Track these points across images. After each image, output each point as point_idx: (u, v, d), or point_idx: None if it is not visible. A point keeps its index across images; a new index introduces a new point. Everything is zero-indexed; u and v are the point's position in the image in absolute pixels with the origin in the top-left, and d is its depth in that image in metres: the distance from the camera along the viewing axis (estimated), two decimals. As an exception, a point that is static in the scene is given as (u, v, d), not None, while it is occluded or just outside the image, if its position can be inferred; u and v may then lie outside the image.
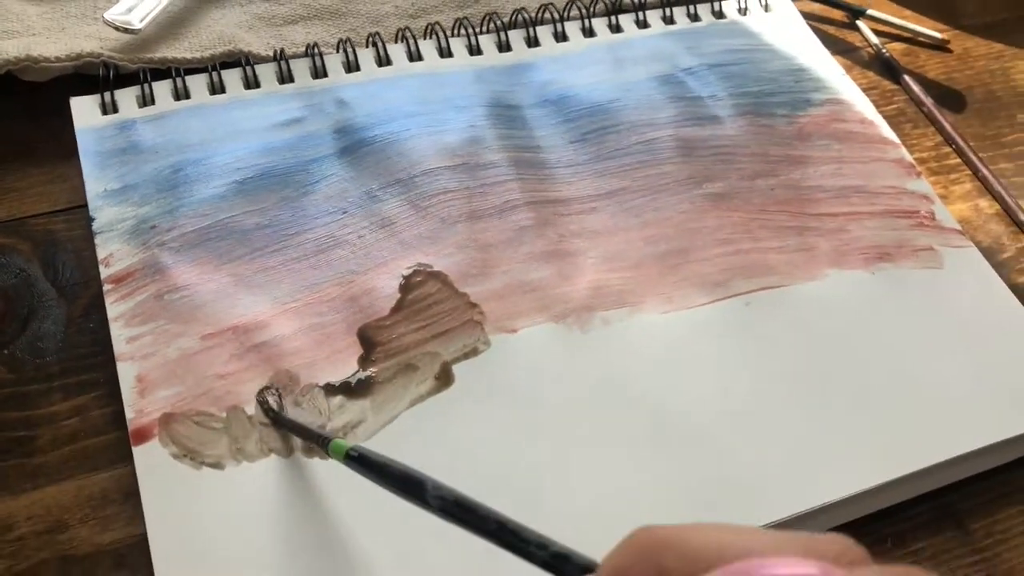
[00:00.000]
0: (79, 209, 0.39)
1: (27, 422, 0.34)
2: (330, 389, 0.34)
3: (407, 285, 0.37)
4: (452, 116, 0.42)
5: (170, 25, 0.45)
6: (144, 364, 0.34)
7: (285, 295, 0.36)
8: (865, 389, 0.36)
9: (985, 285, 0.40)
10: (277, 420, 0.33)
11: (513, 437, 0.33)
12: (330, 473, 0.32)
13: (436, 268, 0.37)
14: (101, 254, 0.36)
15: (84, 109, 0.40)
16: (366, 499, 0.30)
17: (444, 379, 0.35)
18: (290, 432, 0.32)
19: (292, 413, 0.33)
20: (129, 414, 0.32)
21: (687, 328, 0.37)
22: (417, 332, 0.36)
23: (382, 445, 0.33)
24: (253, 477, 0.32)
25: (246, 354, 0.34)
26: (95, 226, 0.37)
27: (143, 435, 0.32)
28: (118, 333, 0.34)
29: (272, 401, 0.33)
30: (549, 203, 0.40)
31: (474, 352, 0.35)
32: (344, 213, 0.39)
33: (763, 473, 0.33)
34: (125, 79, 0.43)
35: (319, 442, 0.29)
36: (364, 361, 0.35)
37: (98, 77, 0.41)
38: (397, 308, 0.36)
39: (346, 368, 0.35)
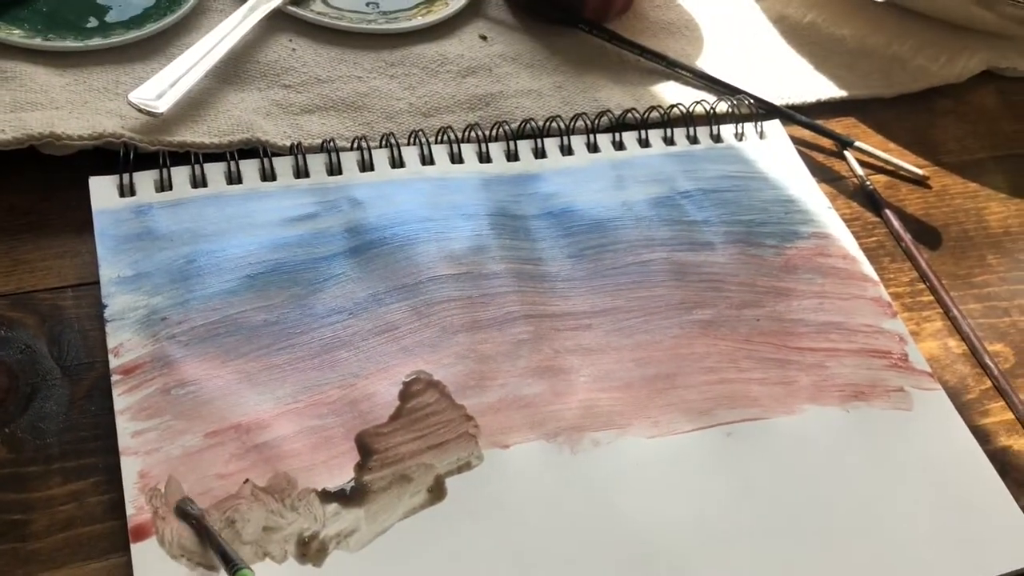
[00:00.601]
0: (88, 286, 0.40)
1: (23, 505, 0.34)
2: (326, 496, 0.35)
3: (406, 393, 0.38)
4: (459, 224, 0.44)
5: (189, 106, 0.46)
6: (147, 460, 0.34)
7: (288, 395, 0.37)
8: (832, 530, 0.38)
9: (950, 430, 0.42)
10: (200, 529, 0.33)
11: (501, 556, 0.34)
12: (321, 580, 0.33)
13: (436, 377, 0.39)
14: (112, 343, 0.37)
15: (102, 190, 0.41)
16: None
17: (437, 492, 0.36)
18: (208, 544, 0.33)
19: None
20: (130, 510, 0.33)
21: (671, 455, 0.39)
22: (413, 442, 0.37)
23: (374, 556, 0.34)
24: (246, 581, 0.33)
25: (247, 454, 0.35)
26: (107, 313, 0.38)
27: (142, 532, 0.33)
28: (124, 427, 0.35)
29: (192, 509, 0.33)
30: (547, 317, 0.42)
31: (467, 466, 0.37)
32: (350, 315, 0.40)
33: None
34: (143, 157, 0.44)
35: (229, 567, 0.32)
36: (360, 469, 0.36)
37: (116, 151, 0.43)
38: (396, 416, 0.37)
39: (343, 474, 0.36)
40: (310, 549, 0.34)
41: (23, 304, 0.40)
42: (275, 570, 0.33)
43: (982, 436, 0.44)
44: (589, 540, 0.36)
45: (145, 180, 0.42)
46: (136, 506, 0.33)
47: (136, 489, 0.34)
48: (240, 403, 0.36)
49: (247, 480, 0.35)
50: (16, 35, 0.46)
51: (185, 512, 0.33)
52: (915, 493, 0.40)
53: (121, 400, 0.36)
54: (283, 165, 0.44)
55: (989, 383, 0.46)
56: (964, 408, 0.44)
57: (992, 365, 0.46)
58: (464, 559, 0.34)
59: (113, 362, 0.36)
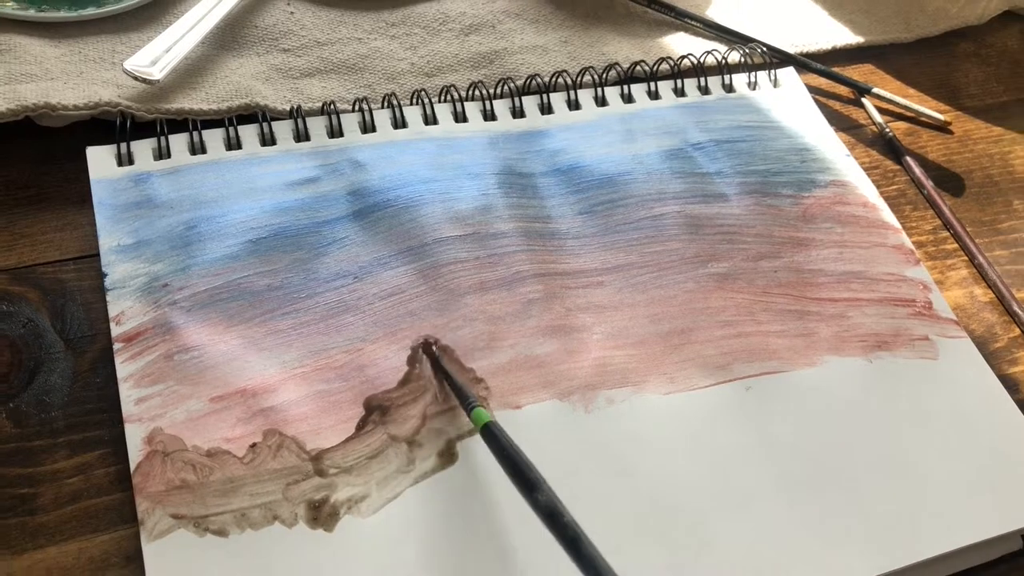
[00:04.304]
0: (90, 258, 0.40)
1: (30, 479, 0.34)
2: (335, 459, 0.34)
3: (414, 357, 0.37)
4: (465, 183, 0.43)
5: (187, 74, 0.45)
6: (152, 426, 0.34)
7: (294, 360, 0.37)
8: (857, 483, 0.37)
9: (978, 378, 0.41)
10: (438, 367, 0.37)
11: (514, 520, 0.34)
12: (332, 544, 0.32)
13: (444, 341, 0.38)
14: (112, 311, 0.36)
15: (100, 160, 0.41)
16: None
17: (448, 457, 0.35)
18: (446, 381, 0.36)
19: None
20: (136, 479, 0.33)
21: (688, 411, 0.38)
22: (422, 407, 0.36)
23: (386, 521, 0.33)
24: (257, 546, 0.32)
25: (253, 418, 0.35)
26: (107, 282, 0.37)
27: (149, 499, 0.32)
28: (127, 394, 0.34)
29: (434, 351, 0.37)
30: (557, 275, 0.41)
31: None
32: (355, 279, 0.39)
33: (755, 565, 0.34)
34: (141, 126, 0.43)
35: (464, 403, 0.34)
36: (369, 434, 0.35)
37: (114, 122, 0.42)
38: (404, 381, 0.37)
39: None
40: (321, 513, 0.33)
41: (24, 278, 0.39)
42: (285, 534, 0.32)
43: (1011, 385, 0.42)
44: (605, 500, 0.35)
45: (143, 149, 0.41)
46: (142, 473, 0.33)
47: (142, 456, 0.33)
48: (245, 368, 0.36)
49: (254, 444, 0.34)
50: (9, 7, 0.45)
51: (429, 350, 0.37)
52: (942, 444, 0.38)
53: (124, 368, 0.35)
54: (283, 129, 0.43)
55: (1018, 331, 0.45)
56: (992, 357, 0.43)
57: (1021, 312, 0.45)
58: (476, 524, 0.34)
59: (115, 330, 0.36)
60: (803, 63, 0.54)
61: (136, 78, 0.43)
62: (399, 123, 0.45)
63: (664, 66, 0.50)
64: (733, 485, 0.36)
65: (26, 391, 0.36)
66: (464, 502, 0.34)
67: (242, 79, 0.46)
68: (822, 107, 0.52)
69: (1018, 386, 0.43)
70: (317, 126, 0.44)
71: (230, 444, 0.34)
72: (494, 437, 0.33)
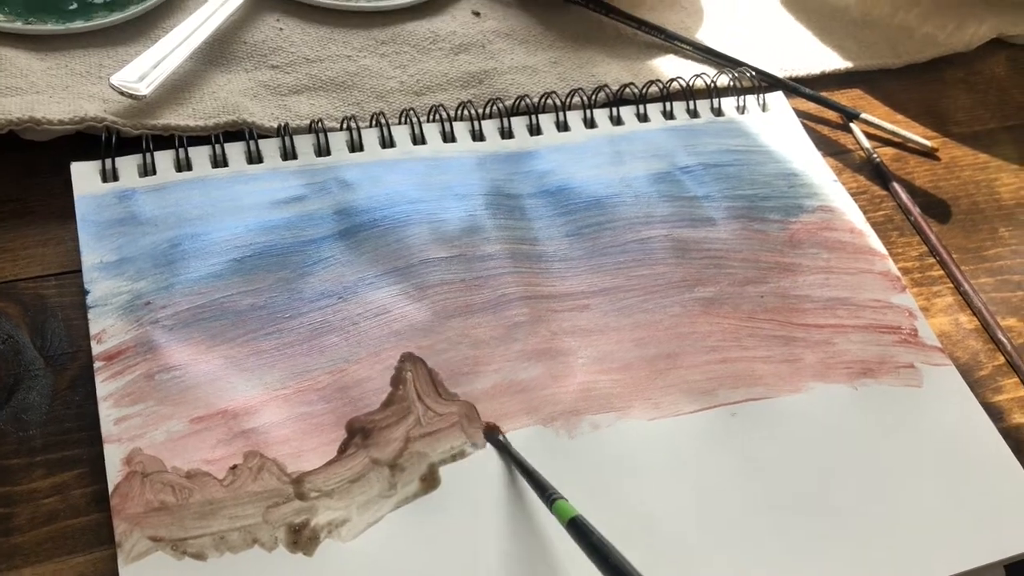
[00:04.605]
0: (71, 274, 0.39)
1: (6, 499, 0.33)
2: (316, 483, 0.34)
3: (397, 379, 0.37)
4: (452, 204, 0.43)
5: (174, 89, 0.45)
6: (131, 447, 0.33)
7: (276, 381, 0.36)
8: (841, 510, 0.37)
9: (962, 406, 0.41)
10: (509, 455, 0.35)
11: (497, 546, 0.33)
12: (312, 568, 0.32)
13: (429, 364, 0.38)
14: (94, 329, 0.36)
15: (84, 175, 0.40)
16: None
17: (431, 481, 0.35)
18: (519, 471, 0.34)
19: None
20: (114, 500, 0.32)
21: (673, 437, 0.38)
22: (405, 430, 0.36)
23: (366, 546, 0.33)
24: (236, 570, 0.32)
25: (234, 440, 0.34)
26: (89, 299, 0.37)
27: (127, 521, 0.32)
28: (107, 413, 0.34)
29: (501, 438, 0.36)
30: (543, 298, 0.41)
31: (461, 455, 0.36)
32: (340, 299, 0.39)
33: (740, 593, 0.34)
34: (127, 140, 0.43)
35: (544, 496, 0.32)
36: (351, 457, 0.35)
37: (99, 137, 0.41)
38: (387, 403, 0.36)
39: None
40: (301, 537, 0.33)
41: (5, 293, 0.39)
42: (265, 557, 0.32)
43: (995, 413, 0.42)
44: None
45: (128, 165, 0.41)
46: (120, 495, 0.32)
47: (121, 477, 0.33)
48: (227, 388, 0.35)
49: (234, 466, 0.34)
50: (-4, 19, 0.45)
51: (496, 440, 0.35)
52: (926, 472, 0.38)
53: (104, 386, 0.35)
54: (270, 147, 0.43)
55: (1002, 359, 0.45)
56: (976, 385, 0.43)
57: (1005, 340, 0.45)
58: (458, 549, 0.33)
59: (96, 348, 0.35)
60: (792, 87, 0.54)
61: (123, 93, 0.42)
62: (387, 142, 0.45)
63: (653, 88, 0.50)
64: (718, 511, 0.36)
65: (4, 408, 0.35)
66: (446, 528, 0.34)
67: (230, 95, 0.45)
68: (810, 132, 0.52)
69: (1002, 414, 0.43)
70: (304, 144, 0.44)
71: (210, 466, 0.34)
72: (584, 534, 0.30)
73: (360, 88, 0.48)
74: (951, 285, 0.48)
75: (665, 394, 0.39)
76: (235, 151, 0.43)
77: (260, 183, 0.42)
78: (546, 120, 0.48)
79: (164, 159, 0.42)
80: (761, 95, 0.52)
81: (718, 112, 0.51)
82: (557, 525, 0.34)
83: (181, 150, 0.42)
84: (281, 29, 0.50)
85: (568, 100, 0.48)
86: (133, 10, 0.47)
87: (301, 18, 0.51)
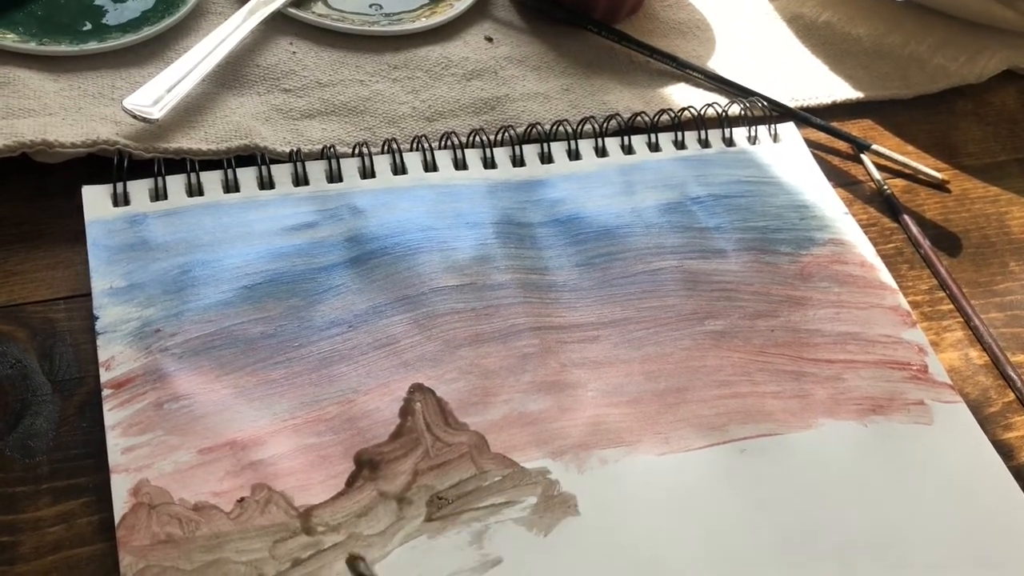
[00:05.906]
0: (81, 298, 0.39)
1: (11, 527, 0.33)
2: (323, 517, 0.34)
3: (406, 410, 0.37)
4: (463, 232, 0.43)
5: (187, 112, 0.45)
6: (139, 477, 0.33)
7: (285, 411, 0.36)
8: (851, 549, 0.36)
9: (972, 444, 0.41)
10: None
11: (505, 581, 0.33)
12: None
13: (438, 394, 0.37)
14: (103, 356, 0.36)
15: (96, 199, 0.40)
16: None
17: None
18: None
19: None
20: (120, 532, 0.32)
21: (682, 473, 0.37)
22: (413, 463, 0.36)
23: (372, 581, 0.33)
24: (239, 605, 0.31)
25: (242, 472, 0.34)
26: (98, 326, 0.37)
27: (132, 553, 0.32)
28: (114, 443, 0.34)
29: (363, 567, 0.32)
30: (553, 329, 0.41)
31: (470, 487, 0.35)
32: (350, 328, 0.39)
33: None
34: (139, 164, 0.43)
35: None
36: (359, 490, 0.35)
37: (111, 159, 0.41)
38: (396, 435, 0.36)
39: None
40: (307, 573, 0.32)
41: (13, 317, 0.38)
42: (270, 596, 0.32)
43: (1005, 451, 0.42)
44: (596, 564, 0.34)
45: (140, 189, 0.41)
46: (126, 526, 0.32)
47: (127, 508, 0.32)
48: (235, 419, 0.35)
49: (242, 499, 0.33)
50: (9, 39, 0.45)
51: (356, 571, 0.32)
52: (936, 511, 0.38)
53: (112, 415, 0.34)
54: (282, 173, 0.43)
55: (1012, 395, 0.45)
56: (986, 422, 0.43)
57: (1015, 377, 0.45)
58: (467, 583, 0.33)
59: (104, 376, 0.35)
60: (803, 117, 0.54)
61: (136, 117, 0.42)
62: (399, 169, 0.45)
63: (665, 117, 0.50)
64: (727, 549, 0.36)
65: (11, 435, 0.35)
66: (453, 563, 0.33)
67: (242, 119, 0.45)
68: (821, 162, 0.52)
69: (1013, 452, 0.42)
70: (316, 170, 0.43)
71: (218, 498, 0.33)
72: None
73: (372, 113, 0.48)
74: (961, 319, 0.47)
75: (675, 429, 0.39)
76: (247, 176, 0.42)
77: (272, 209, 0.42)
78: (557, 148, 0.48)
79: (176, 183, 0.41)
80: (773, 125, 0.52)
81: (729, 142, 0.51)
82: (569, 559, 0.34)
83: (193, 175, 0.42)
84: (294, 52, 0.50)
85: (580, 128, 0.48)
86: (146, 32, 0.47)
87: (314, 42, 0.51)
